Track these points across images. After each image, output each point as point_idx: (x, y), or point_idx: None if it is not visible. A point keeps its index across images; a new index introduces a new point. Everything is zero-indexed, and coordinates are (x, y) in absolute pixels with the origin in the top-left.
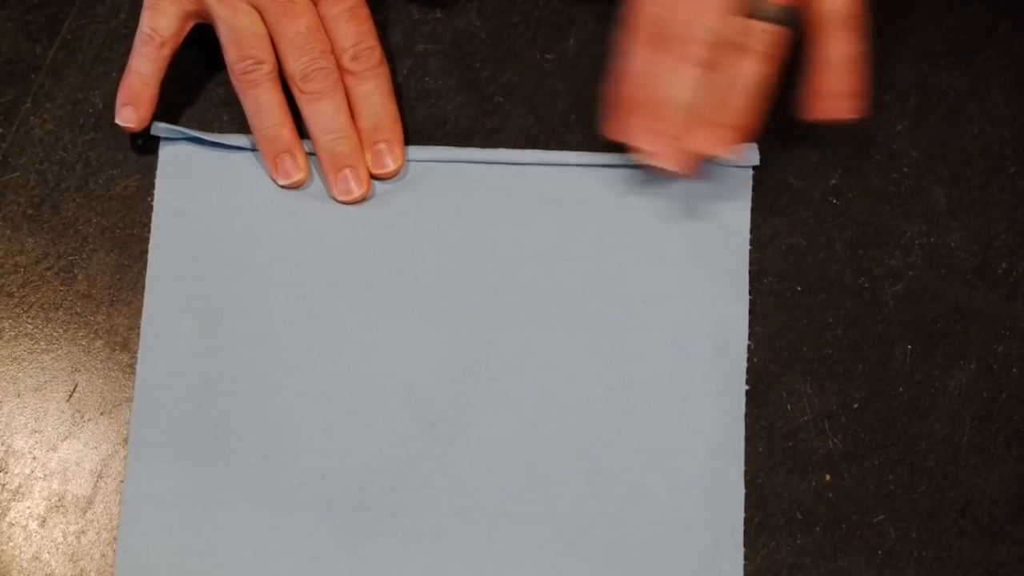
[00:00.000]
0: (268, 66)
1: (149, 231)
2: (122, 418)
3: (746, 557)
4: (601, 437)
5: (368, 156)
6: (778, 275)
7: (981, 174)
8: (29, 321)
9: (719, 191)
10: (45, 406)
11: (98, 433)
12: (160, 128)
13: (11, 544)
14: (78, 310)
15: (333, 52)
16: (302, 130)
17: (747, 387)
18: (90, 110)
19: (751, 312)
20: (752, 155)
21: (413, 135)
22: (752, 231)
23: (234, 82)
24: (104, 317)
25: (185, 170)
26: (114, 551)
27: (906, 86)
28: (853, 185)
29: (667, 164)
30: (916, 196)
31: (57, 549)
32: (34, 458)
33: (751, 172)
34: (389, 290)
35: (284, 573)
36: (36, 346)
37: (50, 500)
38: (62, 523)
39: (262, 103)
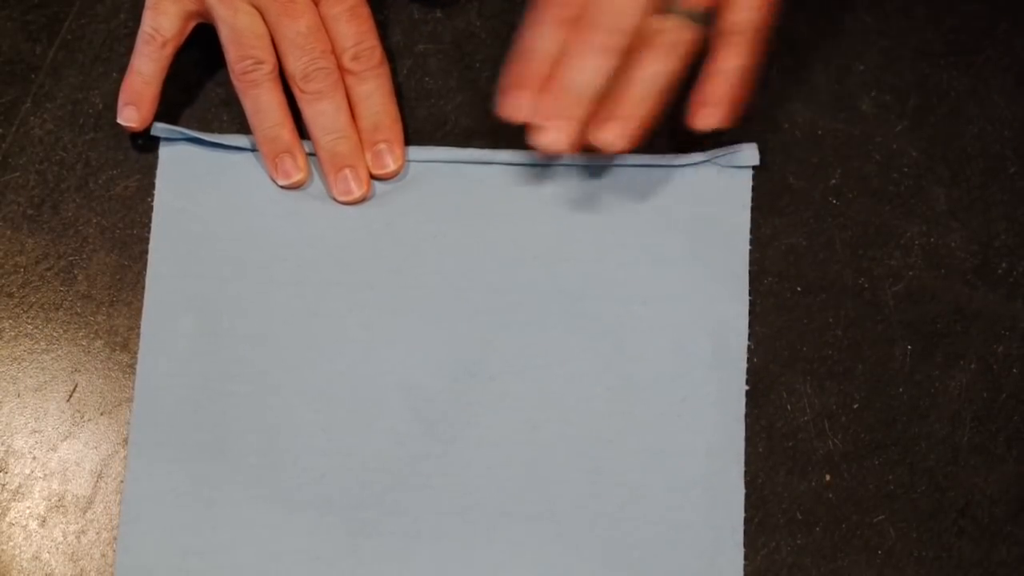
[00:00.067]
0: (268, 66)
1: (149, 231)
2: (122, 418)
3: (746, 557)
4: (601, 437)
5: (368, 156)
6: (778, 275)
7: (981, 174)
8: (29, 321)
9: (719, 191)
10: (45, 406)
11: (98, 433)
12: (160, 128)
13: (11, 544)
14: (78, 310)
15: (334, 52)
16: (302, 130)
17: (747, 387)
18: (90, 110)
19: (751, 312)
20: (752, 155)
21: (413, 135)
22: (752, 231)
23: (234, 82)
24: (104, 317)
25: (185, 170)
26: (114, 551)
27: (906, 86)
28: (853, 185)
29: (562, 149)
30: (916, 196)
31: (57, 549)
32: (34, 458)
33: (751, 172)
34: (389, 290)
35: (284, 572)
36: (36, 346)
37: (50, 500)
38: (62, 523)
39: (262, 103)
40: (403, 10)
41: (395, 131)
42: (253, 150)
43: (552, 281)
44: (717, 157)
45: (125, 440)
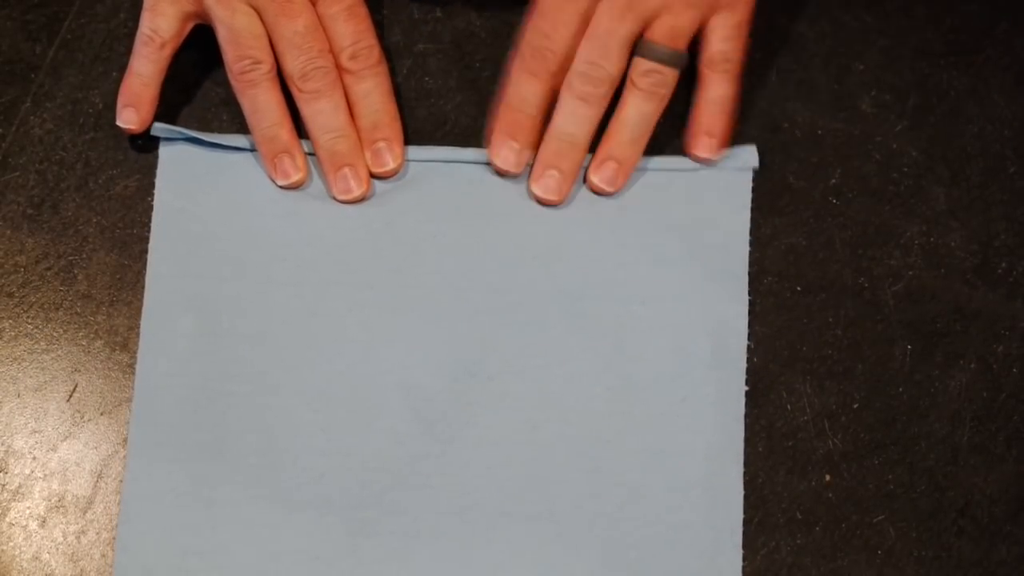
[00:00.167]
0: (266, 66)
1: (149, 231)
2: (122, 418)
3: (746, 557)
4: (601, 437)
5: (367, 155)
6: (778, 275)
7: (981, 174)
8: (29, 321)
9: (719, 191)
10: (45, 406)
11: (98, 433)
12: (159, 128)
13: (11, 544)
14: (78, 310)
15: (331, 51)
16: (302, 131)
17: (747, 387)
18: (90, 110)
19: (751, 312)
20: (751, 157)
21: (413, 135)
22: (752, 231)
23: (232, 82)
24: (104, 317)
25: (185, 170)
26: (114, 551)
27: (906, 86)
28: (853, 185)
29: (555, 199)
30: (916, 196)
31: (57, 549)
32: (34, 458)
33: (751, 173)
34: (389, 290)
35: (284, 572)
36: (36, 346)
37: (50, 500)
38: (62, 523)
39: (260, 103)
40: (403, 10)
41: (394, 129)
42: (252, 150)
43: (552, 281)
44: (717, 160)
45: (125, 440)
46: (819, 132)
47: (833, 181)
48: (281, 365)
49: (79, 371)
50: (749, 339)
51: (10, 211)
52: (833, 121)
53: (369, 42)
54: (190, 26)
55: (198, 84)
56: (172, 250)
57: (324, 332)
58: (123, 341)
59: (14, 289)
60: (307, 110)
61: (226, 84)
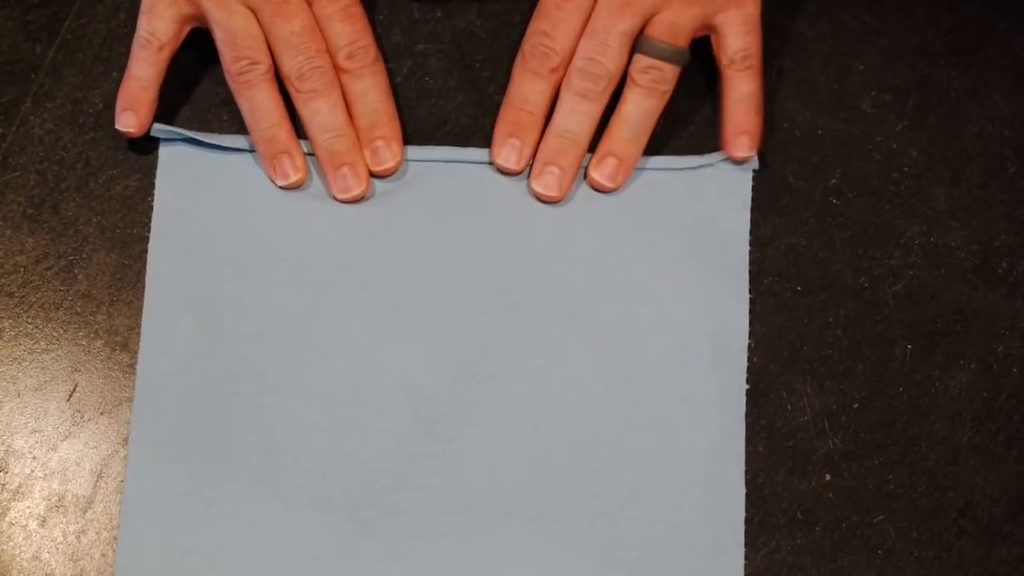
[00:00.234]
0: (263, 67)
1: (149, 231)
2: (122, 418)
3: (746, 557)
4: (601, 437)
5: (366, 153)
6: (778, 275)
7: (981, 174)
8: (29, 321)
9: (719, 191)
10: (45, 406)
11: (98, 433)
12: (159, 129)
13: (11, 544)
14: (78, 310)
15: (328, 51)
16: (301, 132)
17: (747, 387)
18: (90, 110)
19: (751, 312)
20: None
21: (413, 135)
22: (752, 231)
23: (230, 84)
24: (104, 317)
25: (185, 170)
26: (114, 551)
27: (906, 86)
28: (853, 185)
29: (555, 196)
30: (916, 196)
31: (57, 549)
32: (34, 458)
33: (751, 172)
34: (389, 290)
35: (284, 572)
36: (36, 346)
37: (50, 500)
38: (62, 523)
39: (258, 104)
40: (403, 10)
41: (392, 128)
42: (252, 151)
43: (552, 281)
44: (717, 160)
45: (125, 440)
46: (819, 132)
47: (833, 181)
48: (281, 365)
49: (79, 371)
50: (749, 339)
51: (10, 211)
52: (833, 121)
53: (366, 41)
54: (187, 28)
55: (199, 84)
56: (172, 250)
57: (324, 332)
58: (123, 341)
59: (14, 289)
60: (305, 110)
61: (226, 84)
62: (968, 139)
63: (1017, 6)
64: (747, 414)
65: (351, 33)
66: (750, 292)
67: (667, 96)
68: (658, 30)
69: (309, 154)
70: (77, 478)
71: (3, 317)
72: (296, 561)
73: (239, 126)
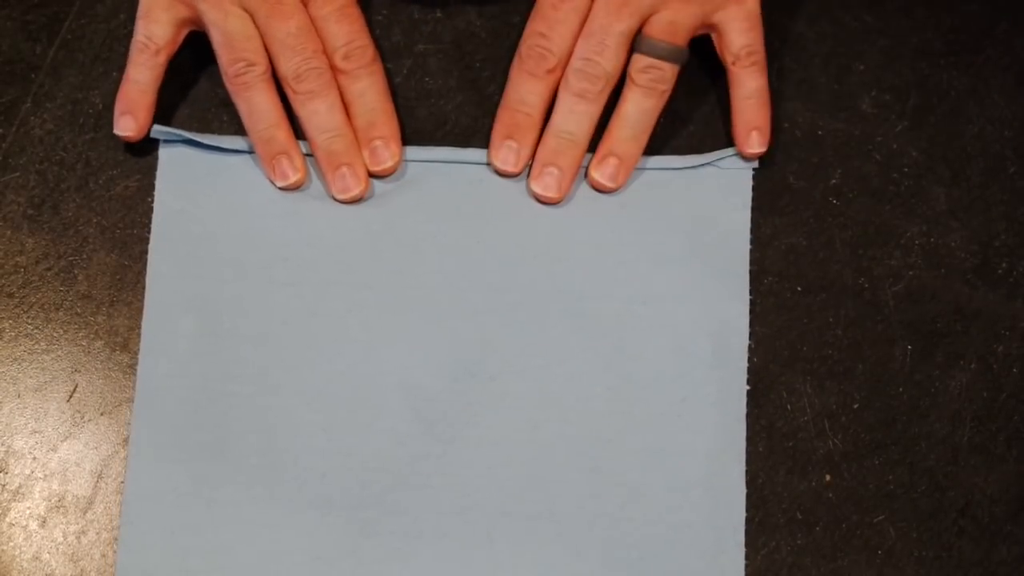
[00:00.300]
0: (260, 68)
1: (149, 231)
2: (122, 418)
3: (746, 557)
4: (601, 437)
5: (365, 153)
6: (778, 275)
7: (981, 174)
8: (29, 321)
9: (719, 191)
10: (45, 406)
11: (98, 433)
12: (159, 131)
13: (11, 544)
14: (78, 310)
15: (325, 52)
16: (300, 133)
17: (747, 387)
18: (90, 110)
19: (751, 312)
20: None
21: (413, 135)
22: (752, 231)
23: (227, 85)
24: (104, 317)
25: (184, 171)
26: (114, 551)
27: (906, 86)
28: (853, 185)
29: (555, 198)
30: (916, 196)
31: (57, 549)
32: (34, 458)
33: (751, 172)
34: (389, 290)
35: (284, 572)
36: (36, 346)
37: (50, 500)
38: (62, 523)
39: (255, 105)
40: (403, 10)
41: (391, 127)
42: (252, 152)
43: (552, 281)
44: (717, 159)
45: (125, 440)
46: (819, 132)
47: (833, 181)
48: (282, 365)
49: (79, 371)
50: (749, 339)
51: (10, 211)
52: (833, 121)
53: (362, 42)
54: (185, 32)
55: (198, 85)
56: (172, 251)
57: (325, 332)
58: (123, 341)
59: (14, 289)
60: (302, 111)
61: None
62: (968, 139)
63: (1017, 6)
64: (747, 414)
65: (347, 33)
66: (750, 292)
67: (667, 95)
68: (656, 29)
69: (308, 155)
70: (77, 479)
71: (3, 318)
72: (296, 561)
73: (238, 127)
